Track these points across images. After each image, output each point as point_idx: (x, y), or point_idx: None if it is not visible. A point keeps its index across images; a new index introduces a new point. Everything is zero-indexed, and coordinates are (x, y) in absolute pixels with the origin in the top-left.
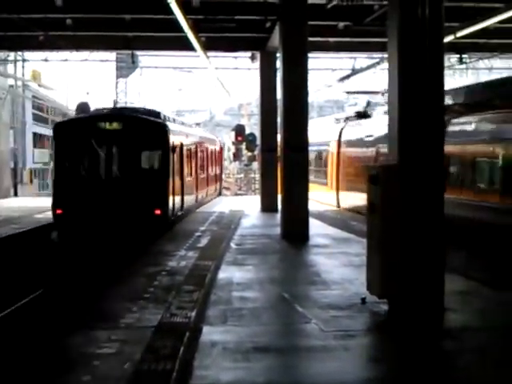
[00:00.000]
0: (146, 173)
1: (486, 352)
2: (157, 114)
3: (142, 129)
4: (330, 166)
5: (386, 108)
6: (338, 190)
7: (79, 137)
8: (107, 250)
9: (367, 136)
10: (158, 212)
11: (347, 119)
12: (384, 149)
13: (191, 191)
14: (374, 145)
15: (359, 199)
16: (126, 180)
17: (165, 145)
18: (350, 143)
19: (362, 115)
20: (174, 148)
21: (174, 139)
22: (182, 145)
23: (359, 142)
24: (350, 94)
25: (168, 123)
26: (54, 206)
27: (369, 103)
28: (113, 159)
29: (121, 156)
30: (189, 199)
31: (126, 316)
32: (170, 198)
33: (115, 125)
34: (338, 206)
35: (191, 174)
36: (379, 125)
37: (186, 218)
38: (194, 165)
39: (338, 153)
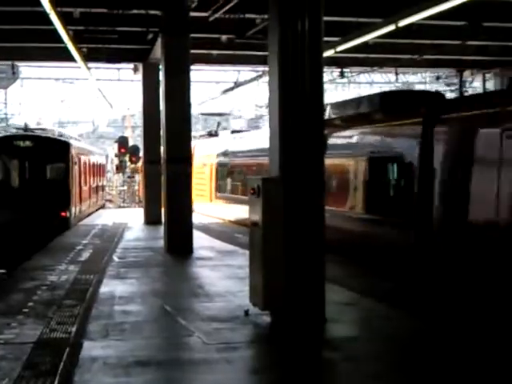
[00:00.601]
0: (53, 181)
1: (363, 362)
2: (60, 134)
3: (50, 146)
4: None
5: (231, 128)
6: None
7: None
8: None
9: (212, 152)
10: (63, 214)
11: (201, 136)
12: (224, 161)
13: (86, 198)
14: (216, 158)
15: (207, 206)
16: (36, 187)
17: (68, 159)
18: (200, 158)
19: (212, 134)
20: (74, 161)
21: (74, 154)
22: (79, 159)
23: (206, 157)
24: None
25: (70, 141)
26: None
27: (219, 124)
28: (26, 170)
29: (33, 168)
30: (85, 205)
31: (3, 332)
32: (72, 203)
33: (28, 142)
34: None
35: (86, 184)
36: (221, 142)
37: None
38: (88, 176)
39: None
